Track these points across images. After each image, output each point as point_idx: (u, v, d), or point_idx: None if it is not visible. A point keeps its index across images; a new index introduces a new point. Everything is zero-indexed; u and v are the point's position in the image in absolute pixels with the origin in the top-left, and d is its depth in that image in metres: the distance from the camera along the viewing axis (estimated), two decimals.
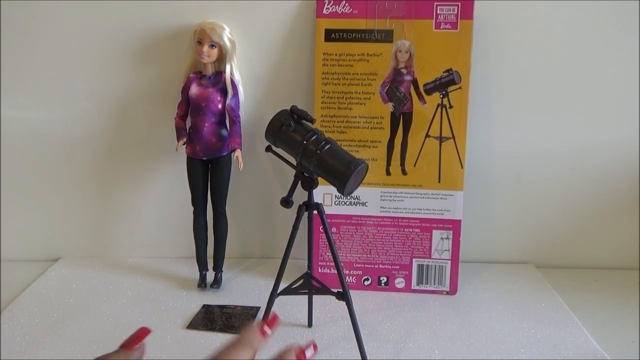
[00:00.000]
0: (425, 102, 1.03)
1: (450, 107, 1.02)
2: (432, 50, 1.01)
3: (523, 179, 1.15)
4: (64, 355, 0.86)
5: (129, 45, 1.08)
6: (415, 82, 1.02)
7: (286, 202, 0.80)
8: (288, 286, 0.85)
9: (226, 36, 1.02)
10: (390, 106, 1.03)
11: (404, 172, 1.05)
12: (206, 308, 1.00)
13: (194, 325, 0.95)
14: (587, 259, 1.19)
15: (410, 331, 0.94)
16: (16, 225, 1.19)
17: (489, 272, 1.16)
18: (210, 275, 1.09)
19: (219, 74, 1.04)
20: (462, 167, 1.03)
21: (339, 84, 1.04)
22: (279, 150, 0.83)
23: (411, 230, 1.06)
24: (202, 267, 1.09)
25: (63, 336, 0.91)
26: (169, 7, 1.06)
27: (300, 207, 0.83)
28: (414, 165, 1.04)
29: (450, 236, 1.05)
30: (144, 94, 1.11)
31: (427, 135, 1.03)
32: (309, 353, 0.46)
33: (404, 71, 1.02)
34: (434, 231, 1.06)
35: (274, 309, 0.85)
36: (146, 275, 1.13)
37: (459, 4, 0.99)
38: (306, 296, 0.94)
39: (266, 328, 0.46)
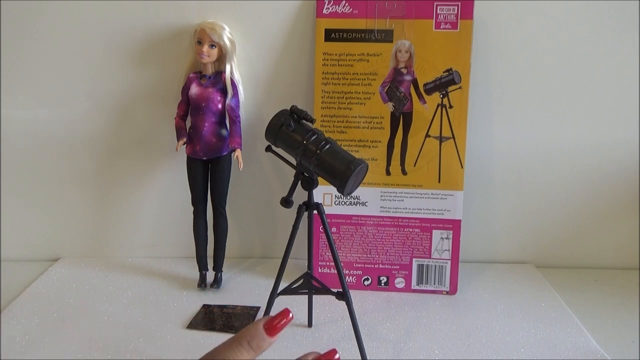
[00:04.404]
0: (425, 102, 1.03)
1: (450, 107, 1.02)
2: (432, 50, 1.01)
3: (523, 179, 1.15)
4: (64, 355, 0.86)
5: (129, 45, 1.08)
6: (415, 82, 1.02)
7: (286, 202, 0.80)
8: (288, 286, 0.85)
9: (226, 36, 1.02)
10: (390, 106, 1.03)
11: (404, 172, 1.05)
12: (206, 308, 1.00)
13: (194, 325, 0.95)
14: (587, 259, 1.19)
15: (410, 331, 0.94)
16: (16, 225, 1.19)
17: (489, 272, 1.16)
18: (210, 275, 1.10)
19: (219, 74, 1.04)
20: (462, 167, 1.03)
21: (339, 84, 1.04)
22: (279, 150, 0.83)
23: (411, 230, 1.06)
24: (202, 267, 1.09)
25: (63, 336, 0.91)
26: (169, 7, 1.06)
27: (300, 207, 0.83)
28: (414, 165, 1.04)
29: (450, 236, 1.05)
30: (144, 94, 1.11)
31: (427, 135, 1.03)
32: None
33: (404, 71, 1.02)
34: (434, 231, 1.06)
35: (274, 309, 0.85)
36: (146, 275, 1.13)
37: (459, 4, 0.99)
38: (306, 296, 0.94)
39: (275, 323, 0.37)
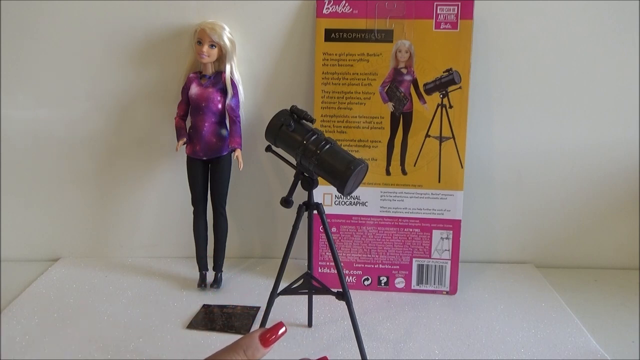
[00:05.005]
0: (425, 102, 1.03)
1: (450, 107, 1.02)
2: (432, 50, 1.01)
3: (523, 179, 1.15)
4: (64, 355, 0.86)
5: (129, 45, 1.08)
6: (415, 82, 1.02)
7: (286, 202, 0.80)
8: (288, 286, 0.85)
9: (226, 36, 1.02)
10: (390, 106, 1.03)
11: (404, 172, 1.05)
12: (206, 308, 1.00)
13: (194, 325, 0.95)
14: (587, 259, 1.19)
15: (410, 331, 0.94)
16: (16, 225, 1.19)
17: (489, 272, 1.16)
18: (210, 275, 1.10)
19: (219, 73, 1.04)
20: (462, 167, 1.03)
21: (339, 84, 1.04)
22: (279, 150, 0.83)
23: (411, 230, 1.06)
24: (202, 267, 1.09)
25: (63, 336, 0.91)
26: (169, 7, 1.06)
27: (300, 207, 0.83)
28: (414, 165, 1.04)
29: (450, 236, 1.05)
30: (144, 94, 1.11)
31: (427, 135, 1.03)
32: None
33: (404, 71, 1.02)
34: (434, 231, 1.06)
35: (274, 308, 0.85)
36: (146, 275, 1.13)
37: (459, 4, 0.99)
38: (306, 296, 0.94)
39: (268, 336, 0.41)
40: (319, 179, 0.82)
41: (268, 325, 0.84)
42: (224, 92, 1.03)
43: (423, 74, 1.02)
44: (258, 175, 1.16)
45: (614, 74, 1.08)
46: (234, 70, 1.05)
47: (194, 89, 1.03)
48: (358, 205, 1.06)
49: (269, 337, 0.41)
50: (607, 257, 1.19)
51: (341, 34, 1.02)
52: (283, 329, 0.42)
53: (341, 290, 0.83)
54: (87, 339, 0.90)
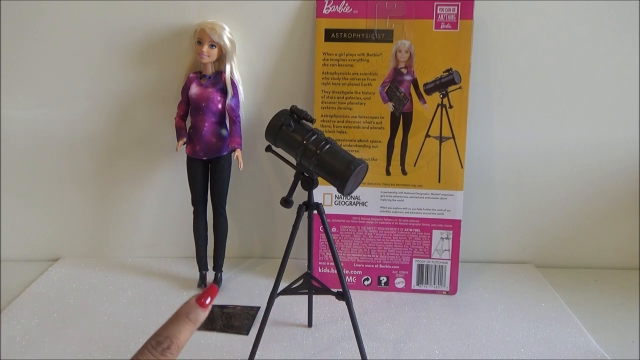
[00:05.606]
0: (425, 102, 1.03)
1: (450, 107, 1.02)
2: (432, 50, 1.01)
3: (523, 179, 1.15)
4: (64, 355, 0.86)
5: (129, 45, 1.08)
6: (415, 82, 1.02)
7: (286, 202, 0.80)
8: (288, 286, 0.85)
9: (226, 36, 1.02)
10: (390, 106, 1.03)
11: (404, 172, 1.05)
12: None
13: None
14: (587, 259, 1.19)
15: (410, 331, 0.94)
16: (16, 225, 1.19)
17: (489, 272, 1.16)
18: (210, 275, 1.10)
19: (219, 73, 1.04)
20: (462, 167, 1.03)
21: (339, 84, 1.04)
22: (279, 150, 0.83)
23: (411, 230, 1.06)
24: (202, 267, 1.09)
25: (63, 336, 0.91)
26: (169, 7, 1.06)
27: (300, 207, 0.83)
28: (414, 165, 1.04)
29: (450, 236, 1.05)
30: (144, 94, 1.11)
31: (427, 135, 1.03)
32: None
33: (404, 71, 1.02)
34: (434, 231, 1.06)
35: (274, 308, 0.85)
36: (146, 275, 1.13)
37: (459, 4, 0.99)
38: (306, 296, 0.94)
39: (204, 300, 0.45)
40: (319, 179, 0.82)
41: (261, 320, 0.84)
42: (224, 92, 1.03)
43: (423, 74, 1.02)
44: (258, 175, 1.16)
45: (614, 74, 1.08)
46: (234, 70, 1.05)
47: (194, 89, 1.03)
48: (358, 205, 1.06)
49: (204, 301, 0.45)
50: (607, 257, 1.19)
51: (341, 34, 1.02)
52: (216, 290, 0.46)
53: (341, 290, 0.83)
54: (87, 339, 0.90)
